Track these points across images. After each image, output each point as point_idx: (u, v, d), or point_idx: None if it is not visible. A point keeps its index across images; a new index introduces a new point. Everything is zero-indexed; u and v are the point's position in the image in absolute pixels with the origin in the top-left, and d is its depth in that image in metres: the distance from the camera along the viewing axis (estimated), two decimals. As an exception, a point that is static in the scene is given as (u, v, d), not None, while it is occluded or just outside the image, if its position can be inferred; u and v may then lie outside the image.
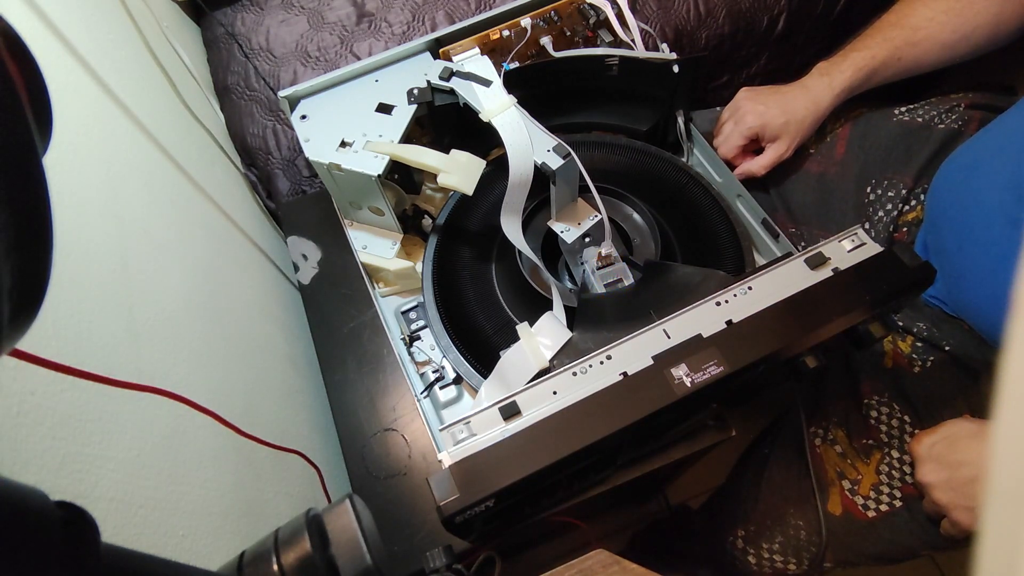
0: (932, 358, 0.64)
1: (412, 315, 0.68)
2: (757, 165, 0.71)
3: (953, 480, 0.53)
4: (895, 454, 0.62)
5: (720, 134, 0.74)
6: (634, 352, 0.47)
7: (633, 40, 0.76)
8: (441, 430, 0.46)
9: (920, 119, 0.70)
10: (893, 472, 0.62)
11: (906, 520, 0.61)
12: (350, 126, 0.63)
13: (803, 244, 0.74)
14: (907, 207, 0.68)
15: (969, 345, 0.61)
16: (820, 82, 0.69)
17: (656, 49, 0.74)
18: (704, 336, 0.46)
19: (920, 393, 0.63)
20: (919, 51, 0.67)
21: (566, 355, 0.54)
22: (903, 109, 0.72)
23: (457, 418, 0.46)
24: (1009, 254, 0.53)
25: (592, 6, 0.75)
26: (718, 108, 0.80)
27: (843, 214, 0.72)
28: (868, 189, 0.70)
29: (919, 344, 0.65)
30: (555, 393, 0.46)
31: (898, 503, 0.61)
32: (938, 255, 0.62)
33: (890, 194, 0.68)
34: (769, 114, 0.69)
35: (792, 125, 0.69)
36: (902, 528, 0.61)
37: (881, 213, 0.69)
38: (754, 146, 0.73)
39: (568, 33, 0.76)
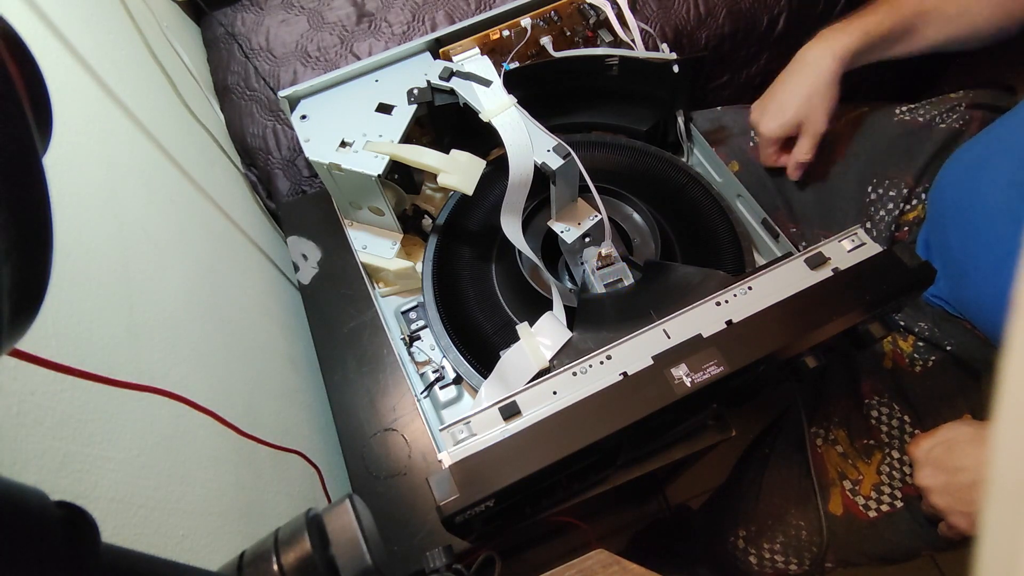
0: (933, 358, 0.64)
1: (412, 315, 0.68)
2: (799, 154, 0.68)
3: (951, 485, 0.53)
4: (896, 454, 0.62)
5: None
6: (634, 352, 0.47)
7: (633, 40, 0.76)
8: (441, 430, 0.46)
9: (921, 118, 0.70)
10: (894, 472, 0.62)
11: (907, 520, 0.61)
12: (350, 126, 0.63)
13: (804, 244, 0.74)
14: (908, 207, 0.68)
15: (971, 345, 0.62)
16: (818, 50, 0.66)
17: (656, 49, 0.74)
18: (704, 336, 0.46)
19: (920, 393, 0.63)
20: (927, 24, 0.65)
21: (566, 355, 0.54)
22: (904, 108, 0.72)
23: (457, 418, 0.46)
24: (1013, 252, 0.53)
25: (592, 6, 0.75)
26: (719, 108, 0.80)
27: (844, 213, 0.71)
28: (869, 188, 0.70)
29: (920, 344, 0.65)
30: (555, 393, 0.46)
31: (899, 503, 0.61)
32: (941, 253, 0.62)
33: (891, 194, 0.68)
34: (781, 111, 0.67)
35: (807, 103, 0.66)
36: (903, 528, 0.61)
37: (882, 212, 0.68)
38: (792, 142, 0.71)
39: (568, 33, 0.76)
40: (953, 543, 0.59)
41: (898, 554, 0.63)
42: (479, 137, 0.65)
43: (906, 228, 0.68)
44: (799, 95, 0.66)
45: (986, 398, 0.60)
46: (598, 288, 0.60)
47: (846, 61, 0.65)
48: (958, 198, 0.61)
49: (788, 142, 0.70)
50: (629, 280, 0.60)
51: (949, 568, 1.04)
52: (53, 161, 0.39)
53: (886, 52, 0.67)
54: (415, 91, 0.65)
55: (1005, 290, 0.55)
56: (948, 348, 0.63)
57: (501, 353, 0.56)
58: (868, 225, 0.70)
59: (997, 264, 0.55)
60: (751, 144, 0.76)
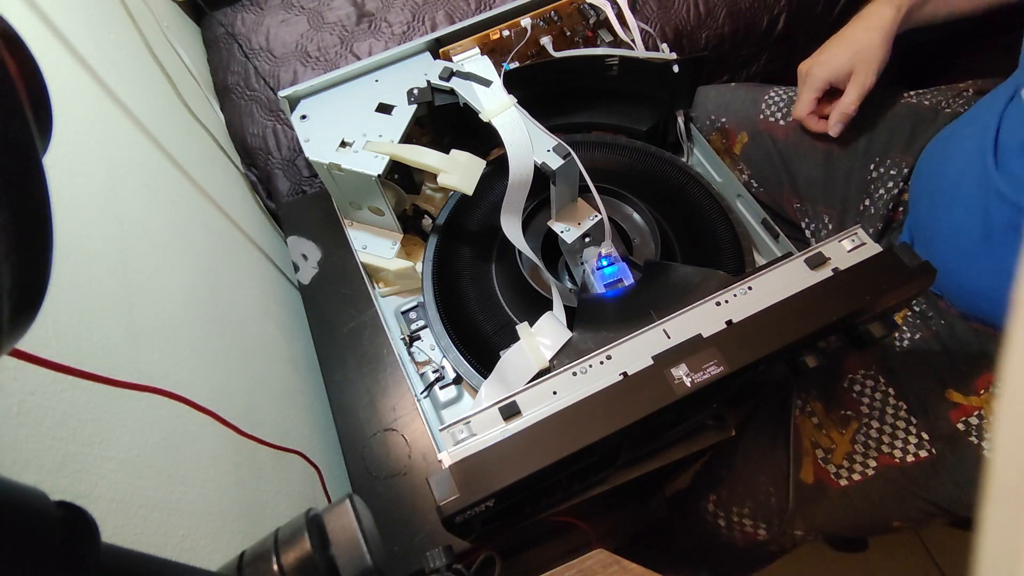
0: (919, 334, 0.65)
1: (412, 315, 0.68)
2: (844, 104, 0.67)
3: None
4: (875, 424, 0.63)
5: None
6: (634, 352, 0.47)
7: (633, 40, 0.76)
8: (441, 430, 0.46)
9: (928, 102, 0.71)
10: (870, 442, 0.62)
11: (879, 490, 0.62)
12: (350, 126, 0.63)
13: (807, 220, 0.75)
14: (906, 186, 0.69)
15: (949, 324, 0.63)
16: (879, 3, 0.66)
17: (656, 49, 0.74)
18: (704, 336, 0.46)
19: (901, 368, 0.64)
20: None
21: (566, 355, 0.54)
22: (912, 93, 0.72)
23: (457, 418, 0.46)
24: (975, 211, 0.55)
25: (592, 6, 0.75)
26: (732, 84, 0.81)
27: (847, 189, 0.72)
28: (872, 166, 0.70)
29: (910, 317, 0.66)
30: (555, 393, 0.46)
31: (871, 472, 0.62)
32: (915, 224, 0.64)
33: (892, 172, 0.69)
34: (834, 58, 0.67)
35: (861, 53, 0.65)
36: (875, 498, 0.62)
37: (882, 191, 0.69)
38: (827, 105, 0.71)
39: (568, 33, 0.76)
40: (927, 516, 0.60)
41: (868, 523, 0.64)
42: (479, 137, 0.65)
43: (901, 208, 0.69)
44: (854, 43, 0.66)
45: (965, 375, 0.61)
46: (598, 288, 0.60)
47: (904, 11, 0.65)
48: (929, 169, 0.63)
49: (827, 103, 0.70)
50: (629, 280, 0.60)
51: (949, 568, 1.04)
52: (53, 161, 0.39)
53: (939, 9, 0.67)
54: (415, 91, 0.65)
55: (967, 250, 0.56)
56: (943, 322, 0.63)
57: (501, 353, 0.56)
58: (868, 202, 0.71)
59: (961, 224, 0.56)
60: (760, 116, 0.77)
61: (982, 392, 0.58)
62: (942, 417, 0.60)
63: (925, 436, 0.60)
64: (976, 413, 0.58)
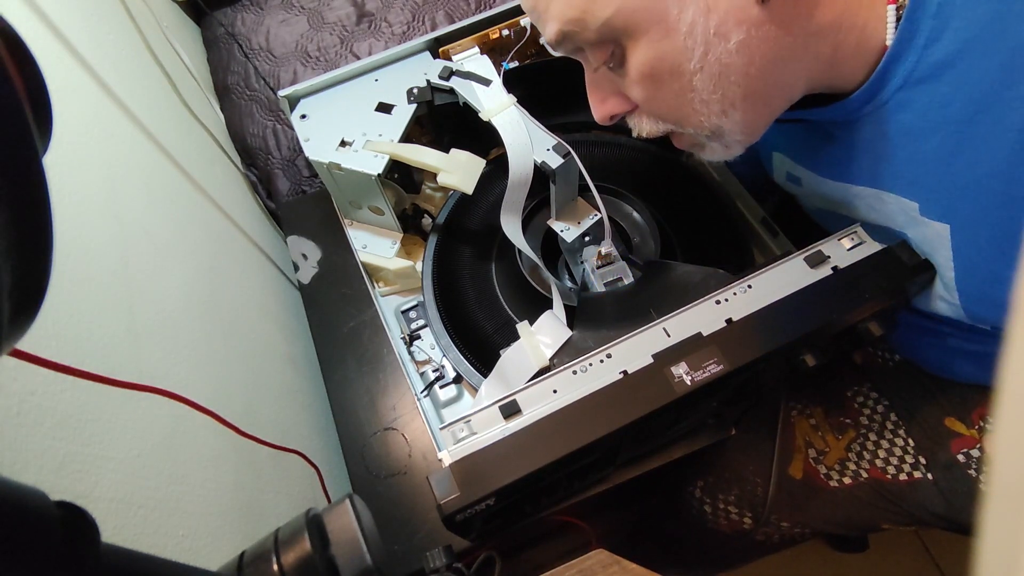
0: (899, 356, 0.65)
1: (412, 314, 0.68)
2: None
3: None
4: (872, 437, 0.63)
5: None
6: (634, 351, 0.47)
7: (633, 39, 0.76)
8: (441, 429, 0.46)
9: None
10: (864, 453, 0.63)
11: (868, 495, 0.62)
12: (350, 126, 0.63)
13: None
14: None
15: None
16: None
17: (656, 48, 0.74)
18: (704, 335, 0.46)
19: (907, 387, 0.64)
20: None
21: (566, 354, 0.54)
22: None
23: (457, 417, 0.46)
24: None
25: (592, 5, 0.75)
26: None
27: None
28: None
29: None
30: (555, 392, 0.46)
31: (862, 480, 0.62)
32: None
33: None
34: None
35: None
36: (864, 500, 0.62)
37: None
38: None
39: (568, 32, 0.76)
40: (917, 519, 0.61)
41: (855, 523, 0.64)
42: (479, 136, 0.65)
43: None
44: None
45: (961, 404, 0.60)
46: (598, 287, 0.60)
47: None
48: None
49: None
50: (629, 279, 0.60)
51: (949, 568, 1.04)
52: (53, 161, 0.39)
53: None
54: (415, 90, 0.65)
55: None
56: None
57: (501, 352, 0.56)
58: None
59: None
60: None
61: (978, 425, 0.58)
62: (942, 445, 0.60)
63: (922, 460, 0.60)
64: (977, 446, 0.58)
